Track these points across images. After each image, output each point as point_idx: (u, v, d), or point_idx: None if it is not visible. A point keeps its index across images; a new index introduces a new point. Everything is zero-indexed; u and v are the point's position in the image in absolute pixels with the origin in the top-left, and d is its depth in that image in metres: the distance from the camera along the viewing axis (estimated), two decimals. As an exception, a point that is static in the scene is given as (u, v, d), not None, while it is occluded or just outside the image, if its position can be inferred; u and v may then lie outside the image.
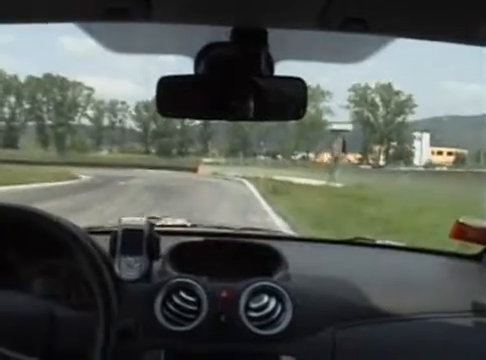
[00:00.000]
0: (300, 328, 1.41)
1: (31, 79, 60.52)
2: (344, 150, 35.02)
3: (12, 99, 60.38)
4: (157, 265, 1.50)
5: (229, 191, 20.43)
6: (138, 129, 63.85)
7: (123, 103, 63.80)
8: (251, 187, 22.59)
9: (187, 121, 58.85)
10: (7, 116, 60.37)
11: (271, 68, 1.10)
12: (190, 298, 1.43)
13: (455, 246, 2.04)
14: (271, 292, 1.44)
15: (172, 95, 1.11)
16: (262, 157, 58.52)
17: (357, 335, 1.44)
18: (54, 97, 60.49)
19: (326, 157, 53.00)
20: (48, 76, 60.36)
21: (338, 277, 1.60)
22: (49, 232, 0.91)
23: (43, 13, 0.93)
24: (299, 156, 62.10)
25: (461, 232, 1.86)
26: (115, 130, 63.89)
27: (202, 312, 1.40)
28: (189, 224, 2.02)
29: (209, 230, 2.01)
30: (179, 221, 2.08)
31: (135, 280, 1.42)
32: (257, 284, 1.44)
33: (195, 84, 1.12)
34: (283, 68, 1.19)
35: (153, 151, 62.52)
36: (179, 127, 62.07)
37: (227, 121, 1.19)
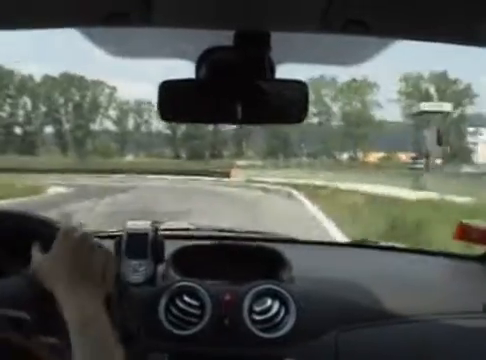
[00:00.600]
0: (304, 331, 1.41)
1: (47, 78, 55.73)
2: (440, 142, 28.38)
3: (27, 101, 55.97)
4: (161, 269, 1.51)
5: (276, 217, 10.67)
6: (166, 131, 57.73)
7: (149, 103, 56.58)
8: (307, 204, 14.34)
9: (218, 121, 55.26)
10: (22, 119, 56.28)
11: (273, 71, 1.10)
12: (194, 302, 1.43)
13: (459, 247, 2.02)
14: (275, 295, 1.44)
15: (174, 99, 1.11)
16: (304, 158, 51.56)
17: (361, 338, 1.44)
18: (72, 97, 56.86)
19: (373, 157, 48.38)
20: (65, 75, 55.21)
21: (342, 280, 1.59)
22: (50, 235, 0.91)
23: (44, 19, 0.93)
24: (345, 156, 54.42)
25: (465, 233, 1.86)
26: (141, 133, 58.11)
27: (206, 315, 1.40)
28: (192, 227, 2.02)
29: (212, 233, 2.01)
30: (182, 225, 2.08)
31: (140, 283, 1.42)
32: (260, 287, 1.44)
33: (197, 88, 1.12)
34: (285, 70, 1.18)
35: (184, 155, 56.52)
36: (211, 128, 55.25)
37: (232, 125, 1.19)
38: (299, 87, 1.11)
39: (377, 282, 1.64)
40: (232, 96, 1.09)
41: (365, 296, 1.52)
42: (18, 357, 0.67)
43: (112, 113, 57.78)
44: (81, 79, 56.26)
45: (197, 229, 2.02)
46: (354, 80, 53.28)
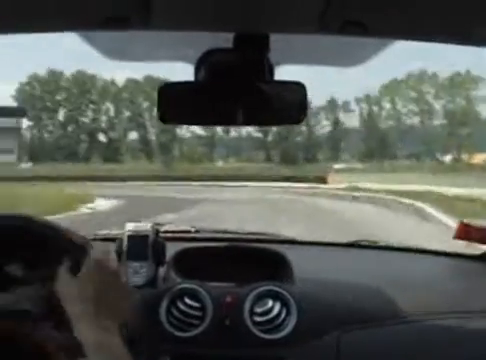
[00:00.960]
0: (305, 332, 1.41)
1: (130, 82, 52.05)
2: None
3: (110, 106, 52.44)
4: (161, 271, 1.51)
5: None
6: (257, 134, 51.87)
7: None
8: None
9: (312, 122, 50.15)
10: (105, 125, 52.63)
11: (271, 73, 1.11)
12: (195, 304, 1.43)
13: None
14: (276, 296, 1.44)
15: (173, 102, 1.11)
16: (406, 161, 45.36)
17: (362, 338, 1.44)
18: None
19: (479, 158, 40.15)
20: (149, 78, 49.87)
21: (342, 280, 1.59)
22: (53, 239, 0.91)
23: (44, 23, 0.94)
24: (448, 157, 47.07)
25: (466, 233, 1.86)
26: (230, 137, 53.08)
27: (207, 317, 1.40)
28: (193, 229, 2.02)
29: (213, 235, 2.01)
30: (183, 227, 2.08)
31: (141, 286, 1.42)
32: (261, 288, 1.44)
33: (196, 90, 1.13)
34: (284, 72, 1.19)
35: (276, 159, 50.46)
36: (304, 128, 50.30)
37: (234, 126, 1.19)
38: (298, 88, 1.11)
39: (378, 282, 1.64)
40: (231, 98, 1.09)
41: (366, 296, 1.52)
42: (23, 350, 0.66)
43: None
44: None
45: (198, 231, 2.02)
46: (458, 74, 47.17)
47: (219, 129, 50.36)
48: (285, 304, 1.43)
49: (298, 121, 1.12)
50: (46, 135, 52.04)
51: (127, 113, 53.04)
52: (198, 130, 51.83)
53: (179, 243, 1.69)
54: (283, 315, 1.42)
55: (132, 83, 52.28)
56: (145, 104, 52.10)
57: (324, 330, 1.43)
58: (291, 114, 1.12)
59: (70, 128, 52.14)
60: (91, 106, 52.48)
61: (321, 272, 1.67)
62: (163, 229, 1.90)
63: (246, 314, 1.41)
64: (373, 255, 1.94)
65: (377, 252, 1.97)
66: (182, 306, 1.43)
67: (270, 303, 1.44)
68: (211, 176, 32.61)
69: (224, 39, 1.04)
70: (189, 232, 2.00)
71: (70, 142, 50.57)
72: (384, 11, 0.86)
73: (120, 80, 55.64)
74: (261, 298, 1.44)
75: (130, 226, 1.46)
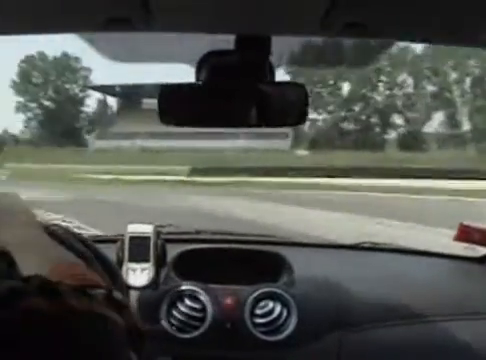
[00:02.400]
0: (306, 333, 1.41)
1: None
2: None
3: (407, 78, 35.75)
4: (162, 272, 1.51)
5: None
6: None
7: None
8: None
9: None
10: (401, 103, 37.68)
11: (273, 74, 1.11)
12: (195, 305, 1.43)
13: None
14: (276, 298, 1.44)
15: (174, 103, 1.11)
16: None
17: (363, 339, 1.44)
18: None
19: None
20: None
21: (343, 282, 1.59)
22: (70, 246, 0.91)
23: (45, 24, 0.94)
24: None
25: (466, 235, 1.86)
26: None
27: (207, 319, 1.40)
28: (194, 231, 2.02)
29: (214, 237, 2.01)
30: (184, 229, 2.08)
31: (143, 287, 1.42)
32: (262, 290, 1.44)
33: (197, 92, 1.13)
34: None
35: None
36: None
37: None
38: (298, 90, 1.11)
39: (379, 284, 1.64)
40: (232, 99, 1.09)
41: (366, 298, 1.52)
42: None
43: None
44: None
45: (199, 233, 2.02)
46: None
47: None
48: (286, 306, 1.43)
49: (299, 122, 1.13)
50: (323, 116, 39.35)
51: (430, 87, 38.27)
52: None
53: (180, 245, 1.69)
54: (284, 317, 1.42)
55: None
56: (453, 75, 37.10)
57: (325, 332, 1.43)
58: (292, 115, 1.12)
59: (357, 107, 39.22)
60: (383, 78, 38.64)
61: (322, 274, 1.66)
62: (164, 231, 1.90)
63: (247, 316, 1.41)
64: (373, 257, 1.94)
65: (378, 254, 1.96)
66: (183, 308, 1.43)
67: (271, 305, 1.44)
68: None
69: (226, 40, 1.05)
70: (190, 234, 2.00)
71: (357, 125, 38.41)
72: (386, 13, 0.86)
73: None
74: (262, 300, 1.44)
75: (132, 228, 1.46)
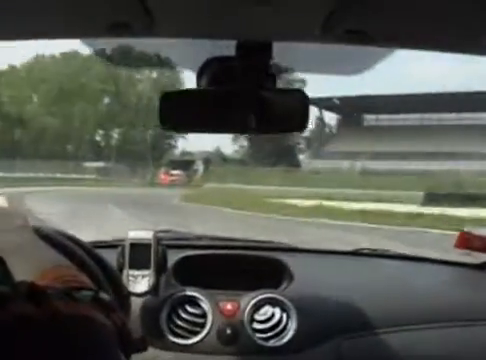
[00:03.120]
0: (306, 339, 1.41)
1: None
2: None
3: None
4: (162, 278, 1.50)
5: None
6: None
7: None
8: None
9: None
10: None
11: (274, 81, 1.11)
12: (195, 311, 1.43)
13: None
14: (276, 304, 1.44)
15: (175, 109, 1.11)
16: None
17: (362, 346, 1.44)
18: None
19: None
20: None
21: (343, 288, 1.59)
22: (60, 245, 0.90)
23: (46, 29, 0.94)
24: None
25: (467, 241, 1.85)
26: None
27: (207, 325, 1.40)
28: (194, 237, 2.02)
29: (214, 243, 2.00)
30: (184, 234, 2.08)
31: (143, 294, 1.42)
32: (262, 296, 1.44)
33: (198, 98, 1.13)
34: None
35: None
36: None
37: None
38: (300, 97, 1.11)
39: (378, 290, 1.63)
40: (233, 106, 1.09)
41: (367, 304, 1.52)
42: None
43: None
44: None
45: (199, 238, 2.02)
46: None
47: None
48: (285, 311, 1.43)
49: (300, 129, 1.13)
50: None
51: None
52: None
53: (180, 251, 1.69)
54: (283, 322, 1.42)
55: None
56: None
57: (324, 337, 1.43)
58: (294, 122, 1.12)
59: None
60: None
61: (322, 280, 1.66)
62: (165, 237, 1.90)
63: (247, 321, 1.40)
64: (374, 263, 1.94)
65: (377, 260, 1.96)
66: (183, 313, 1.43)
67: (271, 310, 1.44)
68: None
69: (227, 47, 1.05)
70: (190, 240, 1.99)
71: None
72: (387, 19, 0.86)
73: None
74: (262, 305, 1.44)
75: (132, 234, 1.46)
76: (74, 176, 34.50)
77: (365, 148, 31.10)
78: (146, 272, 1.42)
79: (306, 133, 39.06)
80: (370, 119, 39.43)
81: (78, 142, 43.85)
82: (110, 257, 1.39)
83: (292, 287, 1.53)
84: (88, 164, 39.50)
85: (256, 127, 1.11)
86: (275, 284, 1.54)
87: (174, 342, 1.39)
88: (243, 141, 41.98)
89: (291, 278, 1.55)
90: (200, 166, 37.66)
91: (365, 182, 24.99)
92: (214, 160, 38.62)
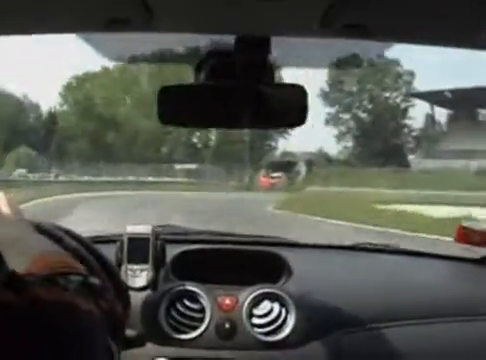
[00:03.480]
0: (304, 334, 1.41)
1: None
2: None
3: None
4: (161, 273, 1.51)
5: None
6: None
7: None
8: None
9: None
10: None
11: (272, 75, 1.11)
12: (194, 306, 1.43)
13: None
14: (275, 299, 1.44)
15: (173, 104, 1.11)
16: None
17: (361, 341, 1.44)
18: None
19: None
20: None
21: (342, 283, 1.59)
22: (59, 239, 0.90)
23: (44, 24, 0.94)
24: None
25: (466, 236, 1.86)
26: None
27: (206, 319, 1.40)
28: (193, 232, 2.02)
29: (213, 237, 2.01)
30: (183, 229, 2.08)
31: (142, 288, 1.42)
32: (261, 291, 1.44)
33: (196, 93, 1.13)
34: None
35: None
36: None
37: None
38: (298, 91, 1.11)
39: (377, 285, 1.64)
40: (231, 101, 1.09)
41: (366, 299, 1.52)
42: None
43: None
44: None
45: (198, 233, 2.02)
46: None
47: None
48: (284, 306, 1.43)
49: (299, 124, 1.12)
50: None
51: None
52: None
53: (179, 245, 1.69)
54: (282, 317, 1.42)
55: None
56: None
57: (323, 332, 1.43)
58: (292, 116, 1.12)
59: None
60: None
61: (321, 274, 1.67)
62: (163, 231, 1.90)
63: (245, 316, 1.41)
64: (373, 258, 1.94)
65: (376, 255, 1.96)
66: (181, 308, 1.43)
67: (269, 305, 1.44)
68: None
69: (225, 41, 1.04)
70: (189, 234, 2.00)
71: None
72: (386, 14, 0.85)
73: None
74: (260, 300, 1.44)
75: (130, 229, 1.46)
76: (166, 179, 32.63)
77: (481, 146, 27.79)
78: (145, 267, 1.42)
79: (416, 131, 36.35)
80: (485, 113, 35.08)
81: (173, 144, 42.49)
82: (109, 252, 1.39)
83: (291, 282, 1.53)
84: (179, 166, 37.95)
85: (255, 122, 1.11)
86: (274, 279, 1.54)
87: (172, 337, 1.39)
88: (348, 140, 38.88)
89: (290, 273, 1.56)
90: (302, 167, 35.47)
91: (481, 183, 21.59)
92: (317, 161, 36.51)
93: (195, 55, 1.14)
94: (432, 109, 37.42)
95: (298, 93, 1.10)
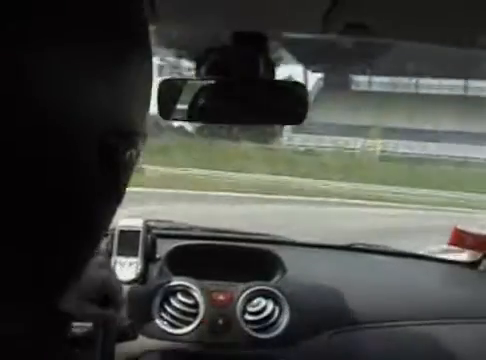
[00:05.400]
0: (297, 332, 1.41)
1: None
2: None
3: None
4: (155, 268, 1.51)
5: None
6: None
7: None
8: None
9: None
10: None
11: (273, 72, 1.11)
12: (188, 301, 1.43)
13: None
14: (268, 296, 1.44)
15: (173, 98, 1.11)
16: None
17: (354, 340, 1.45)
18: None
19: None
20: None
21: (336, 282, 1.60)
22: None
23: None
24: None
25: (460, 239, 1.86)
26: None
27: (199, 315, 1.40)
28: (188, 227, 2.02)
29: (207, 233, 2.01)
30: (178, 224, 2.08)
31: (130, 281, 1.42)
32: (254, 288, 1.45)
33: (196, 87, 1.12)
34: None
35: None
36: None
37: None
38: (298, 88, 1.11)
39: (371, 285, 1.64)
40: (231, 96, 1.09)
41: (359, 299, 1.53)
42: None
43: None
44: None
45: (192, 228, 2.02)
46: None
47: None
48: (278, 304, 1.43)
49: (299, 120, 1.12)
50: None
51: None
52: None
53: (174, 240, 1.69)
54: (276, 315, 1.42)
55: None
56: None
57: (316, 330, 1.43)
58: (291, 113, 1.12)
59: None
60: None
61: (315, 273, 1.67)
62: (158, 226, 1.90)
63: (238, 313, 1.41)
64: (367, 258, 1.95)
65: (371, 256, 1.97)
66: (175, 303, 1.43)
67: (263, 302, 1.44)
68: None
69: (226, 37, 1.05)
70: (184, 229, 1.99)
71: None
72: (387, 13, 0.86)
73: None
74: (254, 297, 1.44)
75: (122, 222, 1.46)
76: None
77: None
78: (134, 260, 1.42)
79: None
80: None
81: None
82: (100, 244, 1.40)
83: (285, 280, 1.53)
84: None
85: (254, 118, 1.11)
86: (268, 276, 1.55)
87: (165, 331, 1.39)
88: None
89: (284, 271, 1.56)
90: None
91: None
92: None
93: (195, 50, 1.14)
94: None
95: (298, 90, 1.10)
